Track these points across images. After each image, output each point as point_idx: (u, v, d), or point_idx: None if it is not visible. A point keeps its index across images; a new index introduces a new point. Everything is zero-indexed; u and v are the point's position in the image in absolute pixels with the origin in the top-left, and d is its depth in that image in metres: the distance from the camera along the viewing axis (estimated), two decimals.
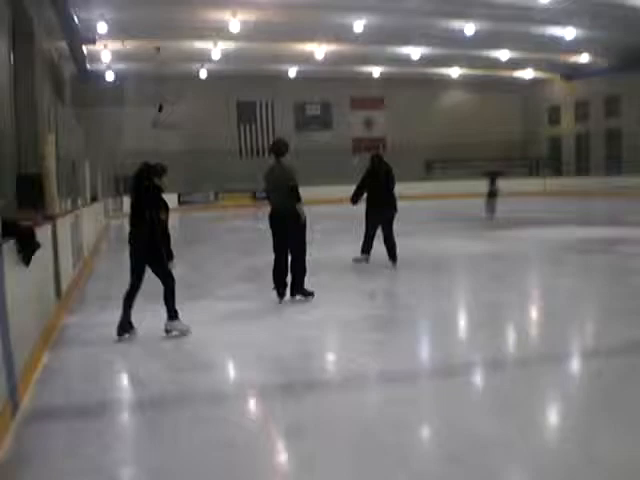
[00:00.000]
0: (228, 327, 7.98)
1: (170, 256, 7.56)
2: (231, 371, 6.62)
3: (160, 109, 38.83)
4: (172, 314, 7.50)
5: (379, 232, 12.45)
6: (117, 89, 39.99)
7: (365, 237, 12.70)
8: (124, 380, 6.39)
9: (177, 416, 5.15)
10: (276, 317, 8.49)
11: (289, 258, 9.41)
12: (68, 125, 12.95)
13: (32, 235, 6.01)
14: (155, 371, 6.24)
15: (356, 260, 12.71)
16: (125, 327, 7.37)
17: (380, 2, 27.71)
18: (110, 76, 38.37)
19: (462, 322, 8.48)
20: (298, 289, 9.41)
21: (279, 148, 9.42)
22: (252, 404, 5.59)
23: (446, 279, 11.68)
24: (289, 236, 9.29)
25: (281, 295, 9.35)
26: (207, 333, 7.61)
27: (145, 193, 7.36)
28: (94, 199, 24.37)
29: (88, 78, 36.79)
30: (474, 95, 47.26)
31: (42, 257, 7.20)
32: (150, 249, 7.37)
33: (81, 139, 16.47)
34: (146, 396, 5.69)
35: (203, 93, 42.09)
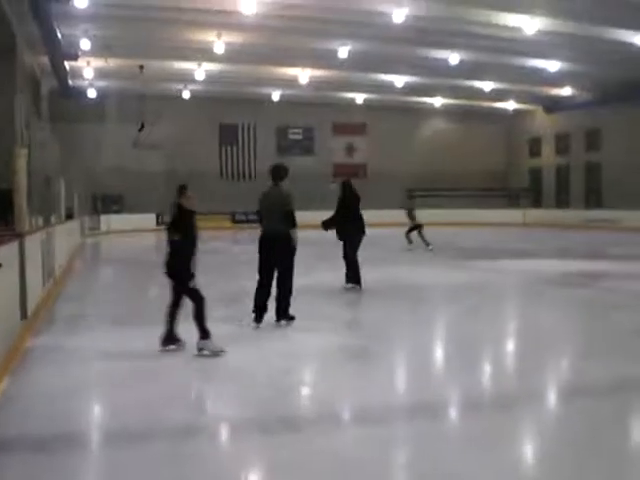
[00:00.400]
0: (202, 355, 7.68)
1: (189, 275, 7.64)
2: (202, 403, 6.32)
3: (141, 128, 38.51)
4: (203, 333, 7.51)
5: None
6: (98, 106, 39.59)
7: (351, 265, 12.73)
8: (88, 410, 6.05)
9: (144, 452, 4.83)
10: (254, 346, 8.21)
11: (273, 283, 9.32)
12: (43, 140, 12.63)
13: None
14: (122, 401, 5.93)
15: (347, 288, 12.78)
16: (168, 339, 7.63)
17: (365, 29, 27.65)
18: (92, 93, 37.96)
19: (439, 357, 8.25)
20: (284, 313, 9.29)
21: (279, 172, 9.60)
22: (224, 440, 5.31)
23: (425, 310, 11.50)
24: (277, 260, 9.25)
25: (258, 320, 9.13)
26: (179, 360, 7.31)
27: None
28: (70, 216, 24.06)
29: (69, 94, 36.36)
30: (456, 125, 47.28)
31: (7, 276, 6.90)
32: (170, 268, 7.69)
33: (57, 155, 16.10)
34: (111, 428, 5.38)
35: (185, 114, 41.77)
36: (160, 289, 9.64)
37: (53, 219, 12.93)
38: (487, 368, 7.51)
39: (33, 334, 8.32)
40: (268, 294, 9.26)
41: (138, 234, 30.86)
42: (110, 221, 37.09)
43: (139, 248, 26.20)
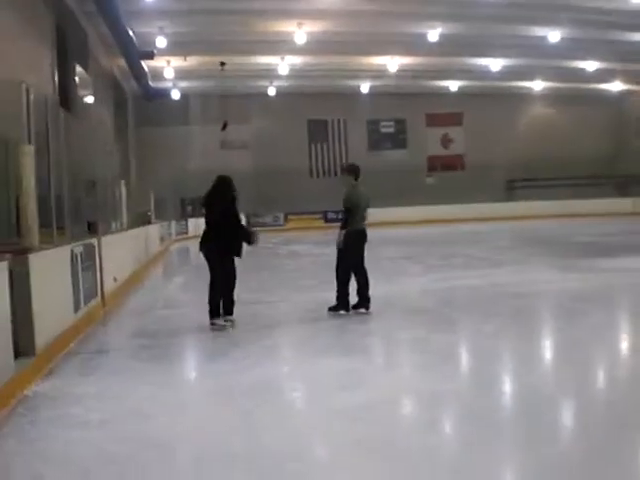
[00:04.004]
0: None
1: None
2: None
3: (224, 127, 37.35)
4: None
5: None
6: (182, 107, 38.88)
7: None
8: None
9: None
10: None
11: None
12: (84, 139, 11.20)
13: None
14: None
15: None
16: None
17: (456, 9, 25.53)
18: (176, 94, 37.19)
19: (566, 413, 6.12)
20: (367, 300, 9.62)
21: (359, 171, 9.92)
22: None
23: (531, 332, 8.65)
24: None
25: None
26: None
27: None
28: (148, 222, 22.84)
29: (152, 96, 35.57)
30: (558, 109, 44.35)
31: None
32: None
33: (115, 157, 14.73)
34: None
35: (272, 111, 40.62)
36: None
37: (100, 228, 11.33)
38: None
39: (41, 376, 6.71)
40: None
41: None
42: (198, 225, 36.06)
43: None
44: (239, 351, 7.77)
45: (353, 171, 9.91)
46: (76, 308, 8.67)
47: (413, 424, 5.45)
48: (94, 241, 10.41)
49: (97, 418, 5.54)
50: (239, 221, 9.34)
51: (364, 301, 9.66)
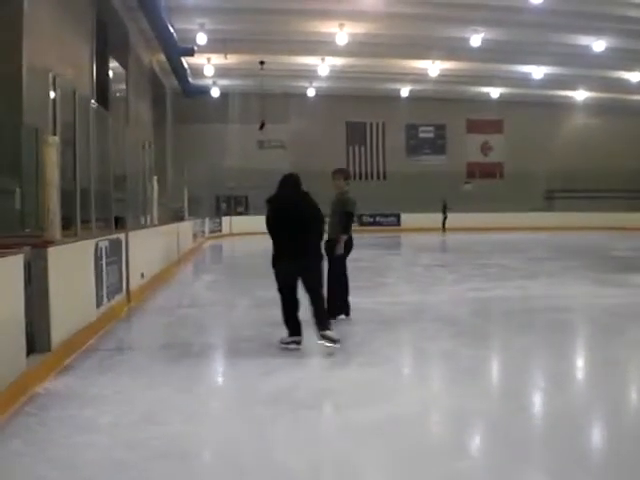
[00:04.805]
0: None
1: None
2: None
3: (262, 127, 37.26)
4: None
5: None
6: (221, 105, 38.93)
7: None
8: None
9: None
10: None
11: None
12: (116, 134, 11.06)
13: None
14: None
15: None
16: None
17: (499, 14, 25.09)
18: (215, 92, 37.23)
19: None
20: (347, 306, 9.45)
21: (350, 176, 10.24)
22: None
23: (564, 348, 8.20)
24: None
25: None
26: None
27: None
28: (181, 219, 22.77)
29: (192, 93, 35.57)
30: (601, 120, 43.52)
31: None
32: None
33: (151, 153, 14.62)
34: None
35: (311, 112, 40.50)
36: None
37: (128, 223, 11.19)
38: None
39: (57, 371, 6.55)
40: None
41: (261, 236, 29.23)
42: (232, 223, 36.03)
43: (251, 251, 24.75)
44: (264, 356, 7.52)
45: (348, 175, 10.06)
46: (99, 303, 8.52)
47: (435, 444, 5.15)
48: (121, 236, 10.26)
49: (108, 421, 5.34)
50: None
51: (345, 307, 9.44)
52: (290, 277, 7.60)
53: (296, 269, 7.53)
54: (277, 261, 7.62)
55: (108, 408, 5.66)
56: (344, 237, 9.26)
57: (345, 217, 9.42)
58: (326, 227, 8.55)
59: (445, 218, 37.71)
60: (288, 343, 7.63)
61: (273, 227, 7.66)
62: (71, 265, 7.44)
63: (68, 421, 5.32)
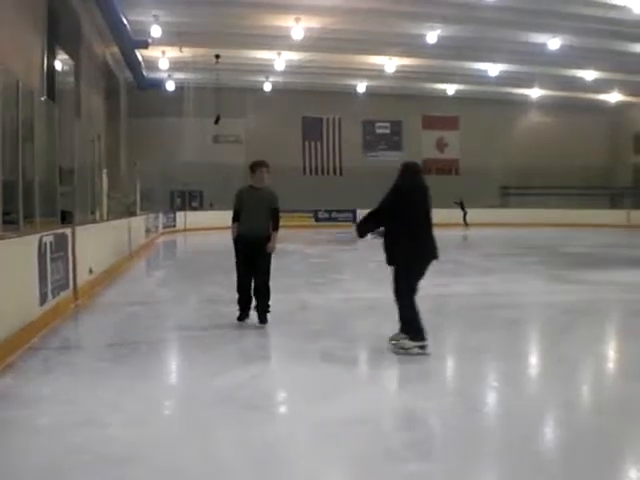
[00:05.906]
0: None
1: None
2: None
3: (217, 121, 36.91)
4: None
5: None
6: (175, 99, 38.33)
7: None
8: None
9: None
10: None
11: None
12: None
13: None
14: None
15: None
16: None
17: (456, 11, 25.13)
18: (170, 85, 36.79)
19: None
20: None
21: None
22: None
23: (518, 346, 8.24)
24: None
25: None
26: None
27: None
28: (133, 214, 22.37)
29: (146, 86, 35.10)
30: (555, 118, 43.98)
31: None
32: None
33: (101, 146, 14.28)
34: None
35: (267, 107, 40.22)
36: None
37: (74, 219, 10.89)
38: None
39: None
40: None
41: (216, 231, 28.82)
42: (186, 218, 35.60)
43: (205, 247, 24.48)
44: (213, 355, 7.34)
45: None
46: (42, 301, 8.24)
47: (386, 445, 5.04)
48: (67, 231, 9.96)
49: (47, 424, 5.13)
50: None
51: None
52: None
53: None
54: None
55: (49, 409, 5.46)
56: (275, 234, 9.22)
57: (274, 213, 9.18)
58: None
59: (465, 214, 36.97)
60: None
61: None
62: (13, 261, 7.16)
63: (4, 424, 5.10)
